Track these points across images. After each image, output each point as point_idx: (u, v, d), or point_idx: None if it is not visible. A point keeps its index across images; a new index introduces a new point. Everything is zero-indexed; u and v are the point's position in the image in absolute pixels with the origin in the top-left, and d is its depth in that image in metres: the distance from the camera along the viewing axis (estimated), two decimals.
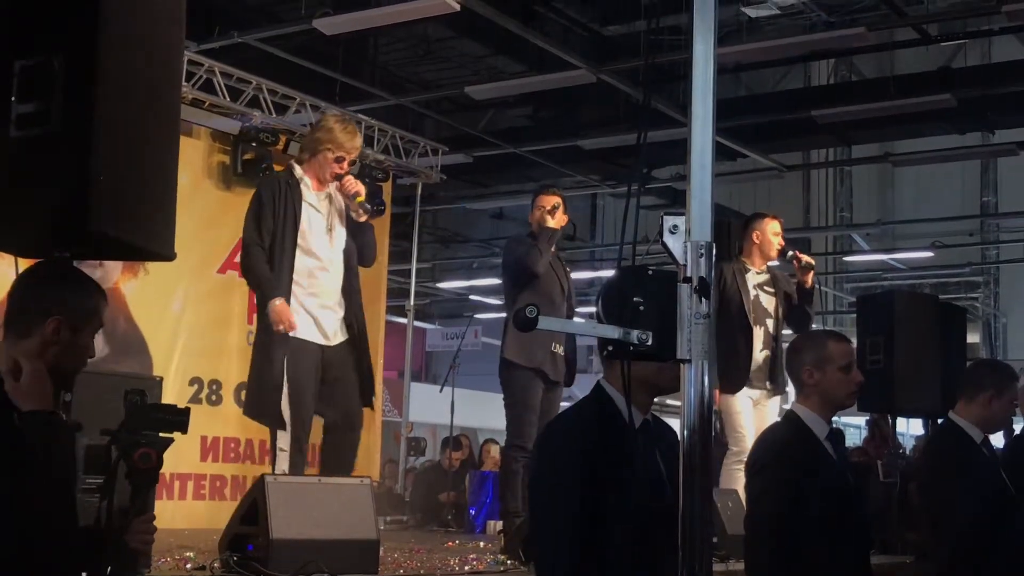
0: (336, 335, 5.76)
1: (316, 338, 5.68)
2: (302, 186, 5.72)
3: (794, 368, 4.14)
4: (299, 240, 5.65)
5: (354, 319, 5.82)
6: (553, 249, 6.57)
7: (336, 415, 5.78)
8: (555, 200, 6.63)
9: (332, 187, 5.84)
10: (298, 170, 5.79)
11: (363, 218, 5.86)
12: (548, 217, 6.48)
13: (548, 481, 3.27)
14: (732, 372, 6.89)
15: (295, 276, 5.64)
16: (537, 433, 5.97)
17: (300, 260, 5.66)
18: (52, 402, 2.83)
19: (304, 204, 5.69)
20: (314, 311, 5.68)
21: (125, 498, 2.96)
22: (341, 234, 5.83)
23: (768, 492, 3.93)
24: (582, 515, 3.12)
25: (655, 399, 3.40)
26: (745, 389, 6.94)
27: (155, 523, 3.00)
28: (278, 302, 5.54)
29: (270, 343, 5.58)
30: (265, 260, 5.63)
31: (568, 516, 3.14)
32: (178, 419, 2.98)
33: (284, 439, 5.53)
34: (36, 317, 2.83)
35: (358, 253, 5.97)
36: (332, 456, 5.75)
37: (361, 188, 5.82)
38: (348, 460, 5.74)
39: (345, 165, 5.79)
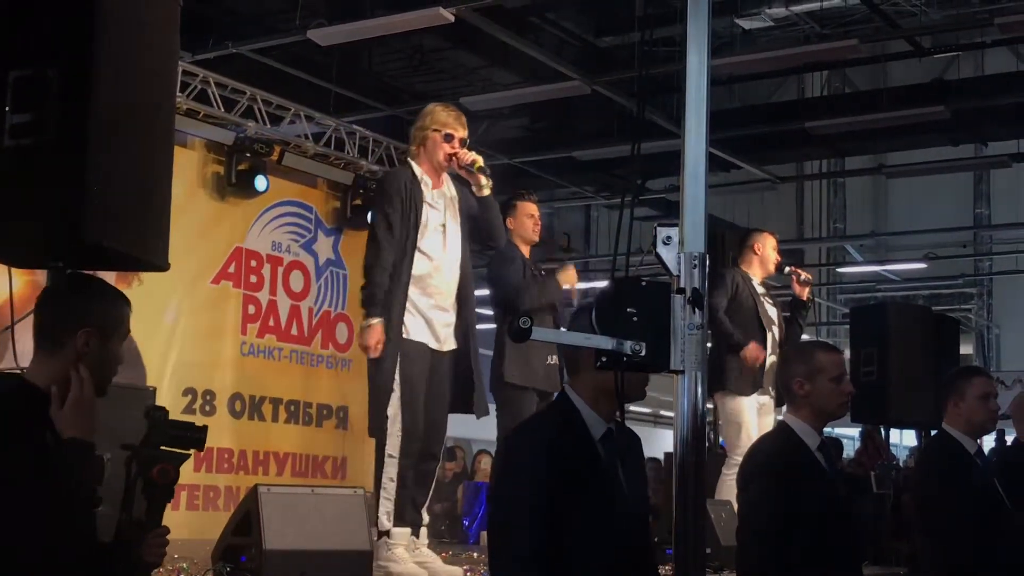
0: (447, 341, 5.54)
1: (428, 340, 5.46)
2: (422, 184, 5.54)
3: (785, 379, 4.15)
4: (418, 240, 5.45)
5: (468, 327, 5.63)
6: (529, 255, 6.56)
7: (423, 442, 5.57)
8: (537, 208, 6.64)
9: (447, 184, 5.65)
10: (418, 168, 5.58)
11: (485, 191, 5.63)
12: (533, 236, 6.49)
13: (507, 489, 3.26)
14: (747, 372, 6.85)
15: (412, 269, 5.43)
16: None
17: (417, 259, 5.46)
18: (92, 430, 2.84)
19: (424, 204, 5.50)
20: (427, 312, 5.47)
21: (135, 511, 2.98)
22: (455, 235, 5.61)
23: (759, 503, 3.93)
24: (545, 527, 3.11)
25: (626, 407, 3.39)
26: (756, 393, 6.91)
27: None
28: (374, 322, 5.32)
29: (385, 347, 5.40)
30: (387, 271, 5.38)
31: (527, 525, 3.12)
32: (196, 436, 3.00)
33: (393, 445, 5.32)
34: (67, 330, 2.85)
35: (488, 231, 5.75)
36: (411, 484, 5.53)
37: (477, 157, 5.61)
38: (425, 493, 5.59)
39: (456, 143, 5.57)
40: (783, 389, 4.21)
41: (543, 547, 3.08)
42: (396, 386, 5.35)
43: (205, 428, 3.03)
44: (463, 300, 5.65)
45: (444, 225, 5.58)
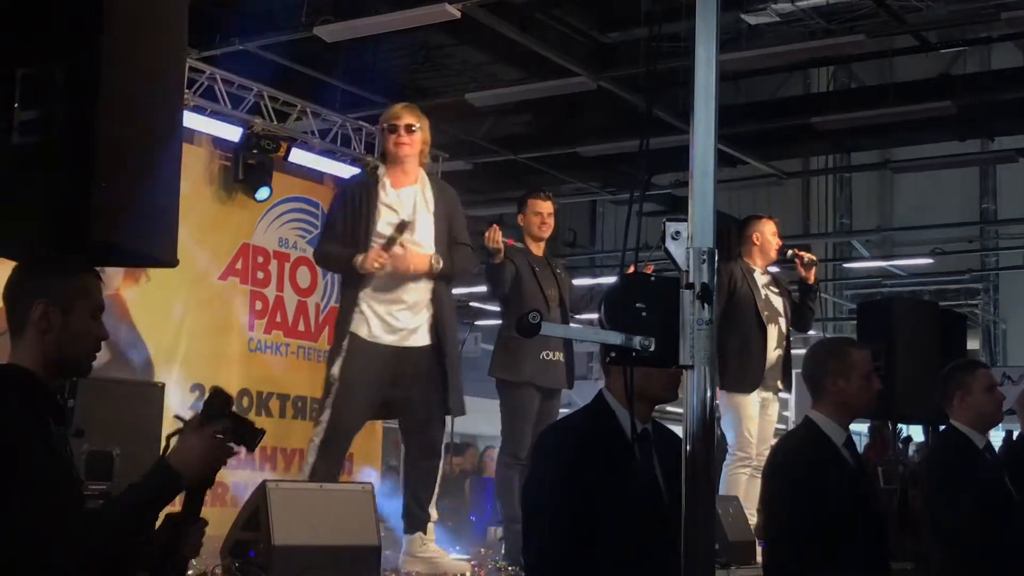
0: (414, 337, 5.58)
1: (382, 337, 5.54)
2: (380, 188, 5.62)
3: (815, 375, 4.12)
4: (371, 238, 5.52)
5: (441, 323, 5.65)
6: (541, 252, 6.56)
7: (411, 437, 5.72)
8: (549, 207, 6.63)
9: (421, 181, 5.72)
10: (383, 169, 5.75)
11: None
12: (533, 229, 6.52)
13: (540, 487, 3.27)
14: (747, 372, 6.84)
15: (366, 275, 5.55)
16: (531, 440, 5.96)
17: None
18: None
19: (378, 206, 5.58)
20: (380, 309, 5.55)
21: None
22: (425, 231, 5.65)
23: (785, 500, 3.92)
24: (573, 522, 3.11)
25: (655, 406, 3.40)
26: (758, 389, 6.90)
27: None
28: (359, 258, 5.50)
29: (335, 344, 5.59)
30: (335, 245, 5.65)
31: (559, 522, 3.13)
32: (252, 435, 2.87)
33: (317, 437, 5.49)
34: (24, 308, 2.79)
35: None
36: (414, 482, 5.70)
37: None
38: (429, 491, 5.67)
39: (402, 133, 5.66)
40: (811, 384, 4.17)
41: (571, 544, 3.09)
42: (336, 382, 5.49)
43: (263, 432, 2.89)
44: (437, 295, 5.66)
45: (405, 222, 5.57)
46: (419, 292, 5.61)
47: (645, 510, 3.13)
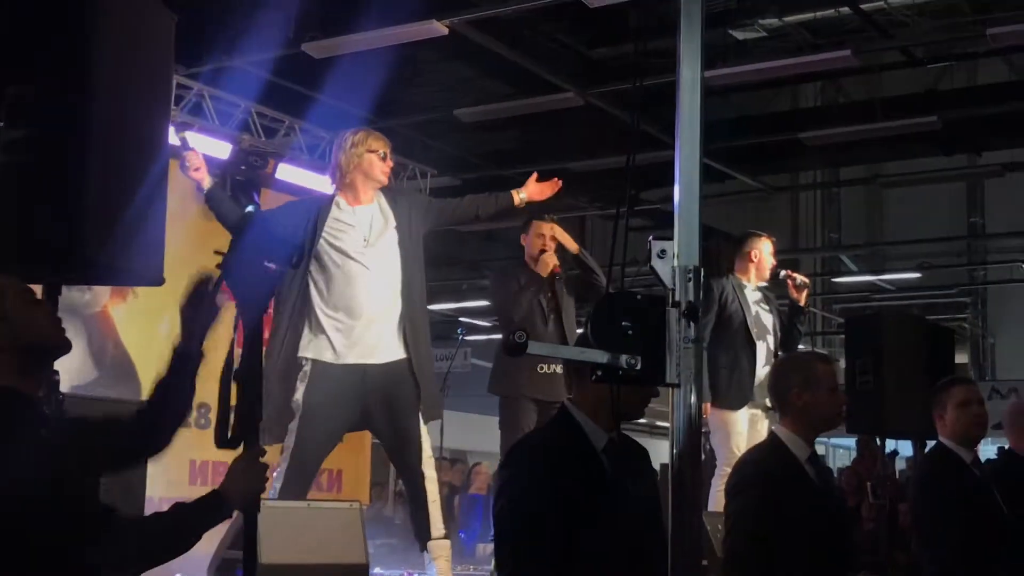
0: (380, 352, 5.47)
1: (345, 357, 5.44)
2: (334, 206, 5.58)
3: (780, 389, 4.14)
4: (323, 255, 5.48)
5: (412, 336, 5.53)
6: (546, 273, 6.57)
7: (393, 456, 5.71)
8: (551, 229, 6.65)
9: (378, 199, 5.65)
10: (339, 191, 5.67)
11: None
12: (544, 260, 6.53)
13: (513, 507, 3.25)
14: (736, 388, 6.86)
15: (315, 290, 5.50)
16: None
17: (320, 274, 5.50)
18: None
19: (331, 220, 5.53)
20: (336, 326, 5.46)
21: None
22: (389, 244, 5.59)
23: (746, 515, 3.92)
24: (548, 540, 3.10)
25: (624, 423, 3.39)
26: (747, 406, 6.91)
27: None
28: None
29: (287, 369, 5.48)
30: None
31: (534, 542, 3.12)
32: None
33: (282, 465, 5.44)
34: None
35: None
36: (409, 500, 5.71)
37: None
38: (422, 508, 5.57)
39: (387, 160, 5.65)
40: (776, 399, 4.20)
41: (546, 563, 3.08)
42: (299, 407, 5.42)
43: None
44: (404, 310, 5.57)
45: (367, 239, 5.54)
46: (386, 302, 5.53)
47: (618, 523, 3.12)
